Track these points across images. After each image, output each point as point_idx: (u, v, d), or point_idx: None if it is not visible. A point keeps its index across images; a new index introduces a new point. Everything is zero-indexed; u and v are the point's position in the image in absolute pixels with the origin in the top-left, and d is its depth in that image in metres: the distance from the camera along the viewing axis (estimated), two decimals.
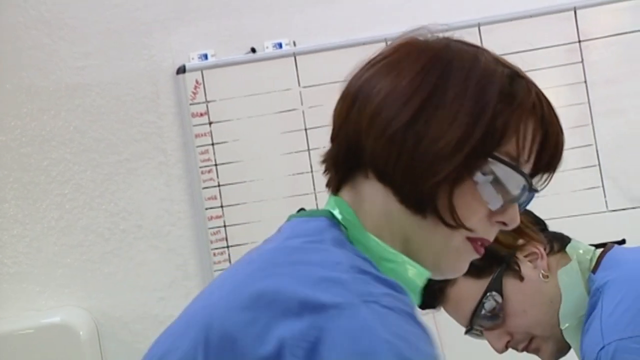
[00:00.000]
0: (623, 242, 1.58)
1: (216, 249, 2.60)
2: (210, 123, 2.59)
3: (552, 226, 2.35)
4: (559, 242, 1.52)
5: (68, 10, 2.53)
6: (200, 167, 2.59)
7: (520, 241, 1.43)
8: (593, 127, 2.53)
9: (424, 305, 1.52)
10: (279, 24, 2.62)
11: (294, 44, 2.61)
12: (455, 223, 0.83)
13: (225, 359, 0.72)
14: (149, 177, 2.62)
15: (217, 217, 2.60)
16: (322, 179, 2.40)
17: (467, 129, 0.82)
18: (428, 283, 1.52)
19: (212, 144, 2.61)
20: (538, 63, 2.48)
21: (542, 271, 1.51)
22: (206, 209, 2.60)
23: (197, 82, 2.58)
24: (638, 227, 2.41)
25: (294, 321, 0.70)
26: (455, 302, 1.52)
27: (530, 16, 2.53)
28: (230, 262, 2.58)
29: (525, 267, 1.50)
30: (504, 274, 1.50)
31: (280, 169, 2.58)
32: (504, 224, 0.88)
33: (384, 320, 0.71)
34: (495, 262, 1.49)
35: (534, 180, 0.92)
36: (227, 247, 2.60)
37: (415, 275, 0.86)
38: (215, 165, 2.60)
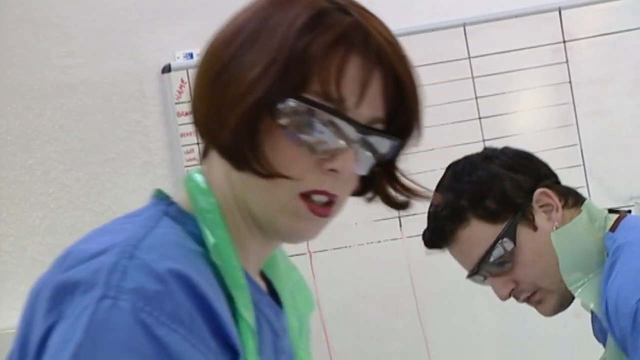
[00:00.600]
0: (629, 212, 1.60)
1: None
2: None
3: None
4: (573, 198, 1.52)
5: (54, 8, 2.52)
6: (186, 166, 2.58)
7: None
8: (578, 127, 2.56)
9: (431, 245, 1.55)
10: None
11: None
12: (266, 171, 0.76)
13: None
14: (134, 176, 2.61)
15: None
16: None
17: (265, 66, 0.75)
18: (438, 223, 1.51)
19: (198, 143, 2.54)
20: (523, 63, 2.55)
21: (556, 223, 1.50)
22: None
23: (182, 81, 2.57)
24: None
25: (50, 299, 0.69)
26: (465, 245, 1.51)
27: (515, 16, 2.55)
28: None
29: (540, 218, 1.49)
30: (519, 222, 1.49)
31: None
32: (337, 171, 0.79)
33: (96, 325, 0.66)
34: (511, 209, 1.48)
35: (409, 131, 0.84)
36: None
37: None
38: (201, 164, 2.55)
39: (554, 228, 1.49)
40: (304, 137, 0.77)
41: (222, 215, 0.80)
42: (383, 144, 0.82)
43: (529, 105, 2.63)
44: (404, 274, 2.55)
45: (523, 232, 1.49)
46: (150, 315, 0.66)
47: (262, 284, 0.88)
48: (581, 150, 2.56)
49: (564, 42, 2.56)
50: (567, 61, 2.57)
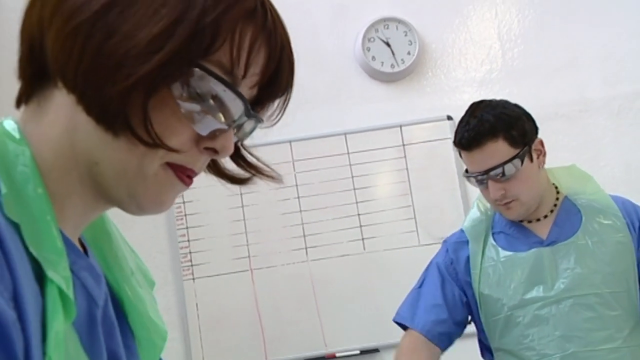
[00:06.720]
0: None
1: (184, 267, 3.00)
2: None
3: (386, 257, 3.03)
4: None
5: None
6: (176, 216, 3.01)
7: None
8: (411, 195, 3.08)
9: (464, 147, 1.66)
10: None
11: None
12: (151, 140, 0.60)
13: None
14: (142, 224, 3.01)
15: (185, 247, 3.00)
16: (254, 223, 3.39)
17: (169, 25, 0.58)
18: (477, 133, 1.61)
19: (183, 202, 3.03)
20: (379, 157, 3.09)
21: (541, 164, 1.72)
22: (179, 242, 3.00)
23: None
24: None
25: None
26: (487, 154, 1.64)
27: (374, 129, 3.12)
28: (193, 275, 2.98)
29: (534, 155, 1.70)
30: (526, 152, 1.66)
31: (225, 218, 3.02)
32: (215, 151, 0.65)
33: None
34: (524, 142, 1.66)
35: (264, 108, 0.71)
36: (192, 265, 3.00)
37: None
38: (185, 215, 3.01)
39: (539, 166, 1.70)
40: (195, 109, 0.62)
41: (39, 169, 0.61)
42: (252, 126, 0.70)
43: (383, 182, 3.06)
44: (308, 284, 3.01)
45: (526, 160, 1.66)
46: None
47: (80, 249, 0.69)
48: (413, 210, 3.05)
49: (403, 145, 3.07)
50: (405, 156, 3.07)
